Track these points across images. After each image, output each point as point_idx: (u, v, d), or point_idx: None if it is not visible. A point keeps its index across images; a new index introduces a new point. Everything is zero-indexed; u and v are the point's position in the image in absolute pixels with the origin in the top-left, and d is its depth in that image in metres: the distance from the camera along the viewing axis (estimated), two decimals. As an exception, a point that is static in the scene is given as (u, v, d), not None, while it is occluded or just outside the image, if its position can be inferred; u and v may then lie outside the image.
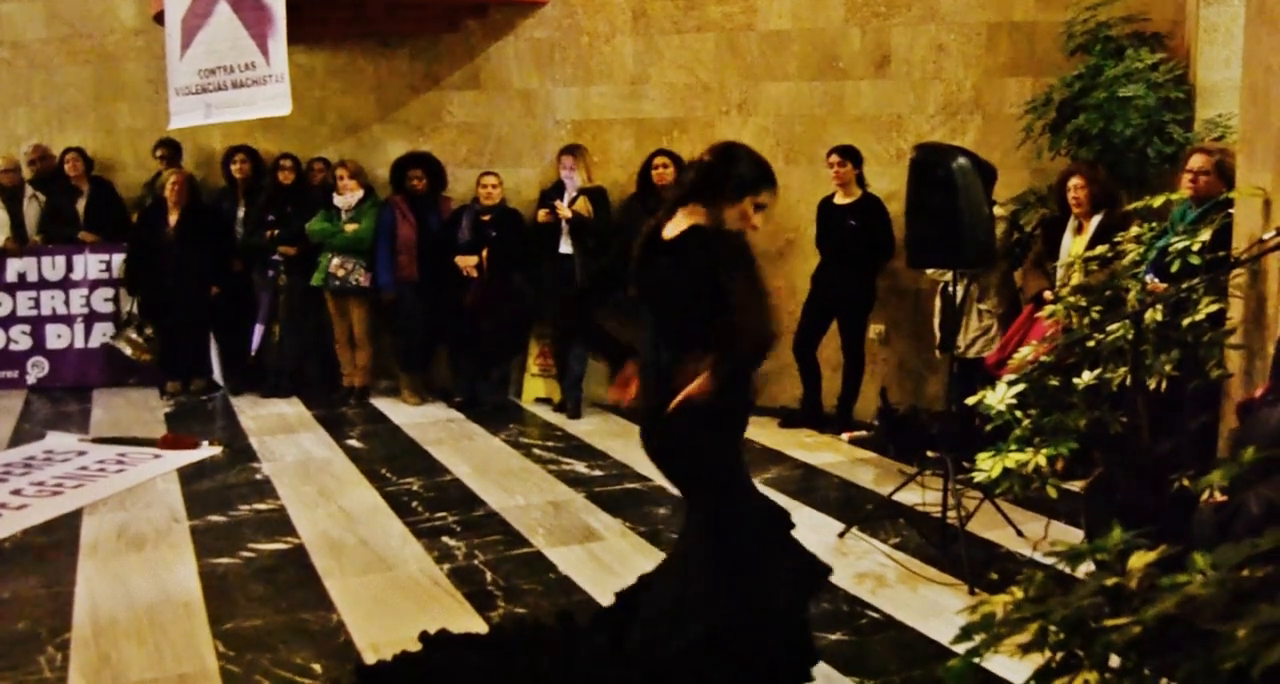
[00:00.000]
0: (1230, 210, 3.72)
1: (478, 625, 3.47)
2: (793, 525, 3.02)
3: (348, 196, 6.73)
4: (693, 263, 2.67)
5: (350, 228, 6.70)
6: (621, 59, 6.74)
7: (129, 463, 5.41)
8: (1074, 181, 4.84)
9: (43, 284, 7.26)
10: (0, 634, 3.44)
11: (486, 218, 6.55)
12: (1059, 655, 1.50)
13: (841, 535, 4.30)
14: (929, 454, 4.86)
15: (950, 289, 5.10)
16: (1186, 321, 3.42)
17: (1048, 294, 4.68)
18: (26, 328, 7.26)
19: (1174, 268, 3.57)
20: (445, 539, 4.31)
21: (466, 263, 6.47)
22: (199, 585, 3.84)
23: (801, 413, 6.16)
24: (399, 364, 7.00)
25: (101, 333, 7.28)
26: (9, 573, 3.99)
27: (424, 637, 3.22)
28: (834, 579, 3.82)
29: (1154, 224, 3.96)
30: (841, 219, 5.93)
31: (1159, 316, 3.47)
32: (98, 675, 3.16)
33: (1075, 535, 4.04)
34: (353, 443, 5.87)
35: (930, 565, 3.97)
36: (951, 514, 4.10)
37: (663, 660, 2.70)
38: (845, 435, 5.88)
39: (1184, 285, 3.38)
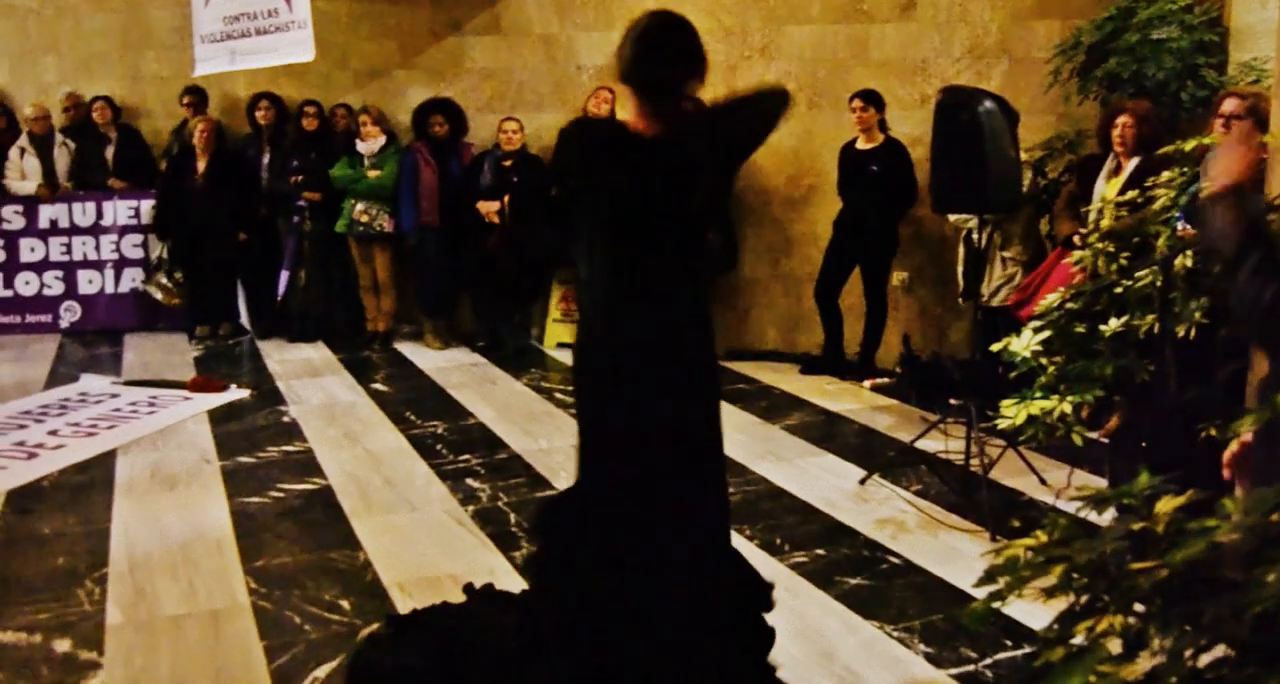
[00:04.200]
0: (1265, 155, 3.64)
1: (501, 565, 3.53)
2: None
3: (370, 143, 6.73)
4: None
5: (373, 174, 6.70)
6: (643, 3, 6.61)
7: (160, 405, 5.49)
8: (1123, 119, 4.63)
9: (74, 230, 7.32)
10: (41, 568, 3.54)
11: (508, 163, 6.53)
12: (1083, 599, 1.51)
13: (863, 482, 4.33)
14: (951, 402, 4.87)
15: (974, 236, 5.06)
16: (1218, 268, 3.38)
17: (1077, 238, 4.62)
18: (59, 273, 7.34)
19: (1206, 214, 3.52)
20: (469, 481, 4.38)
21: (488, 208, 6.46)
22: (230, 524, 3.93)
23: (823, 359, 6.17)
24: (422, 309, 7.04)
25: (131, 278, 7.35)
26: (48, 510, 4.09)
27: (468, 589, 3.12)
28: (855, 524, 3.89)
29: (1186, 169, 3.89)
30: (864, 164, 5.87)
31: (1189, 263, 3.43)
32: (134, 609, 3.25)
33: (1099, 484, 4.05)
34: (377, 387, 5.93)
35: (952, 512, 4.00)
36: (974, 462, 4.11)
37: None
38: (867, 382, 5.89)
39: (1216, 232, 3.33)
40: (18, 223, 7.28)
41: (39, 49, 7.88)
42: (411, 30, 7.18)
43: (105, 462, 4.64)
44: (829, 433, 5.07)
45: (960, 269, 5.63)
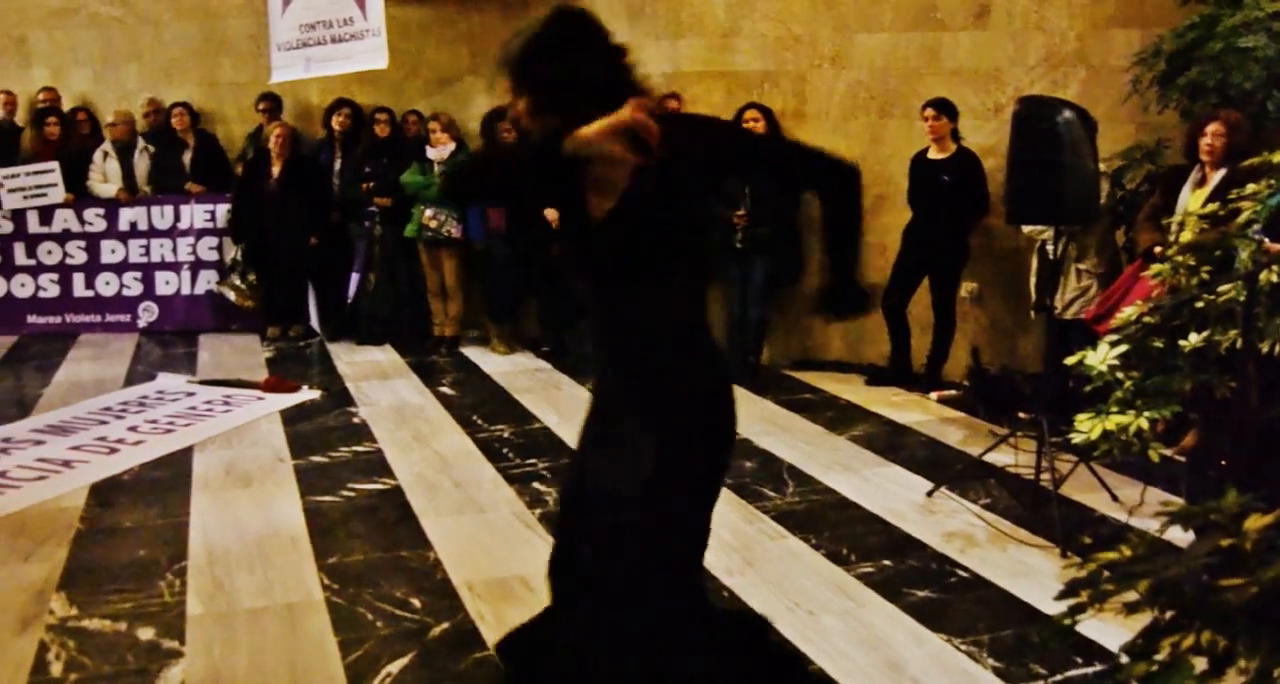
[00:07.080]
0: (1355, 168, 3.54)
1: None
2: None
3: (440, 149, 6.83)
4: None
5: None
6: (712, 11, 6.66)
7: (235, 404, 5.64)
8: (1213, 128, 4.52)
9: (152, 232, 7.55)
10: (124, 560, 3.66)
11: (576, 170, 6.58)
12: (1169, 614, 1.49)
13: (930, 494, 4.29)
14: (1021, 415, 4.79)
15: (1049, 247, 4.98)
16: (1303, 284, 3.29)
17: (1158, 250, 4.52)
18: (138, 274, 7.57)
19: (1292, 227, 3.44)
20: (536, 485, 4.42)
21: (554, 215, 6.52)
22: (303, 521, 4.02)
23: (889, 370, 6.12)
24: (488, 314, 7.13)
25: (207, 280, 7.55)
26: (129, 504, 4.22)
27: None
28: (923, 536, 3.86)
29: (1273, 181, 3.80)
30: (935, 174, 5.82)
31: (1274, 278, 3.34)
32: (213, 600, 3.34)
33: (1173, 502, 3.96)
34: (444, 390, 6.01)
35: (1020, 527, 3.94)
36: (1044, 476, 4.05)
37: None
38: (934, 394, 5.83)
39: (1302, 246, 3.25)
40: (99, 225, 7.53)
41: (121, 57, 8.15)
42: (482, 37, 7.28)
43: (182, 458, 4.78)
44: (895, 444, 5.03)
45: (1033, 281, 5.54)
